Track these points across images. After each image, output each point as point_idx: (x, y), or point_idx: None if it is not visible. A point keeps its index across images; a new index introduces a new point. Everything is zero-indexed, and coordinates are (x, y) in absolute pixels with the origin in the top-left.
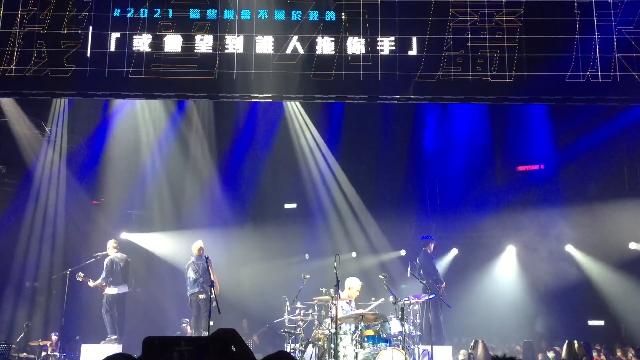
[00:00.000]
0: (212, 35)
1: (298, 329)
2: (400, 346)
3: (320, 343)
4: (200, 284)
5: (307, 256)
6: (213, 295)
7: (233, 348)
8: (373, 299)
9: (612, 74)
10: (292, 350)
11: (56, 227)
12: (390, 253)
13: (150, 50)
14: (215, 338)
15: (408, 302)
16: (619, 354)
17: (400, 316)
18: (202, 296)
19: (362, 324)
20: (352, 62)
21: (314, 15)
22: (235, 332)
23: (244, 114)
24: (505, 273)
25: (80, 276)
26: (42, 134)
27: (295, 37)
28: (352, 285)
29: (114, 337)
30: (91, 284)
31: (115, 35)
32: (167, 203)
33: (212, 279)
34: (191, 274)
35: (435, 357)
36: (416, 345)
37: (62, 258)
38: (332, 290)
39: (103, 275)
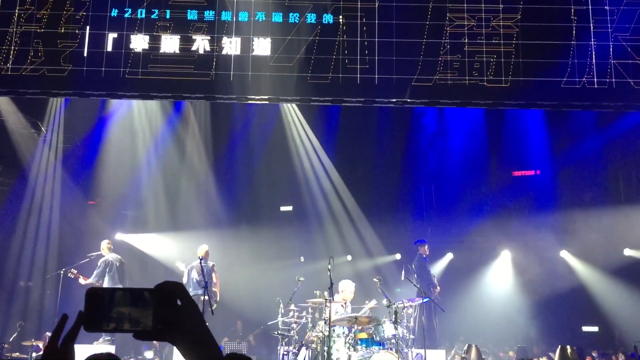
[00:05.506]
0: (210, 36)
1: (292, 331)
2: (394, 349)
3: (313, 345)
4: (203, 286)
5: (302, 259)
6: (207, 298)
7: (179, 302)
8: (367, 301)
9: (607, 80)
10: (285, 353)
11: (51, 227)
12: (385, 257)
13: (147, 50)
14: (161, 290)
15: (402, 305)
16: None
17: (394, 319)
18: (205, 298)
19: (356, 326)
20: (349, 65)
21: (311, 18)
22: (182, 285)
23: (240, 115)
24: (500, 278)
25: (72, 272)
26: (38, 133)
27: (293, 40)
28: (345, 288)
29: (108, 337)
30: (83, 281)
31: (112, 35)
32: (162, 204)
33: (215, 282)
34: (195, 275)
35: None
36: (409, 349)
37: (57, 258)
38: (326, 293)
39: (95, 274)
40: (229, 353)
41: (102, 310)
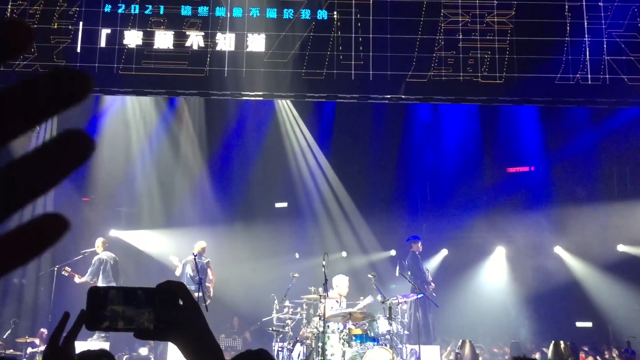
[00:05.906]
0: (204, 32)
1: (286, 328)
2: (388, 345)
3: (308, 341)
4: (197, 282)
5: (297, 255)
6: (201, 294)
7: (180, 301)
8: (362, 298)
9: (601, 76)
10: (279, 349)
11: None
12: (380, 253)
13: (141, 46)
14: (163, 289)
15: (396, 301)
16: (607, 356)
17: (388, 315)
18: (199, 294)
19: (350, 322)
20: (343, 61)
21: (305, 13)
22: (185, 285)
23: (234, 112)
24: (494, 274)
25: (67, 270)
26: (31, 130)
27: (287, 36)
28: (339, 283)
29: (102, 334)
30: (77, 279)
31: (105, 31)
32: (156, 201)
33: (211, 278)
34: (189, 271)
35: (423, 357)
36: (404, 345)
37: (50, 255)
38: (320, 289)
39: (89, 272)
40: (245, 351)
41: (104, 309)
